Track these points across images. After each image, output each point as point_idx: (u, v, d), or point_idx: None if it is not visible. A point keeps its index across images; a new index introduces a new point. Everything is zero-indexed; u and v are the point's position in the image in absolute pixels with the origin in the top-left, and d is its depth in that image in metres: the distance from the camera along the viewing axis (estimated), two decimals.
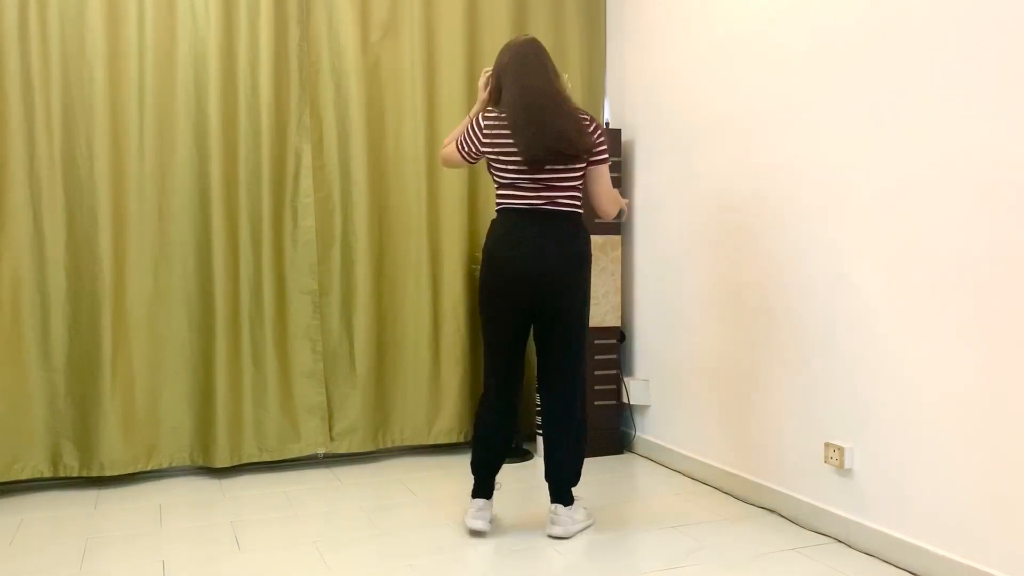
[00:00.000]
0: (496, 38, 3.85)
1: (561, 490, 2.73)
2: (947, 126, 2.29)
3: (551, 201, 2.62)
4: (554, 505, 2.73)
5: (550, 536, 2.71)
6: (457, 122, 3.77)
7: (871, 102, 2.54)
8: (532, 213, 2.62)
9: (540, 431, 3.82)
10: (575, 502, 2.80)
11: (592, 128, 2.65)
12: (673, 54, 3.56)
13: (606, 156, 2.69)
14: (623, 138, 3.93)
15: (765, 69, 3.00)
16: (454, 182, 3.78)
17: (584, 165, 2.65)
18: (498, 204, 2.69)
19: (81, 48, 3.23)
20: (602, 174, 2.70)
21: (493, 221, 2.71)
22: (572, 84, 4.01)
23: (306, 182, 3.54)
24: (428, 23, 3.73)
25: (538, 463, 3.70)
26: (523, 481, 3.40)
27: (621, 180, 3.83)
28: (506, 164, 2.62)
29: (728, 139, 3.20)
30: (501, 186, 2.67)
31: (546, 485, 3.04)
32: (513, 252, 2.62)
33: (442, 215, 3.79)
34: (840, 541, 2.66)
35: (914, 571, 2.40)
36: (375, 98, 3.67)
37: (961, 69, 2.25)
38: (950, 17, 2.28)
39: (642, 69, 3.80)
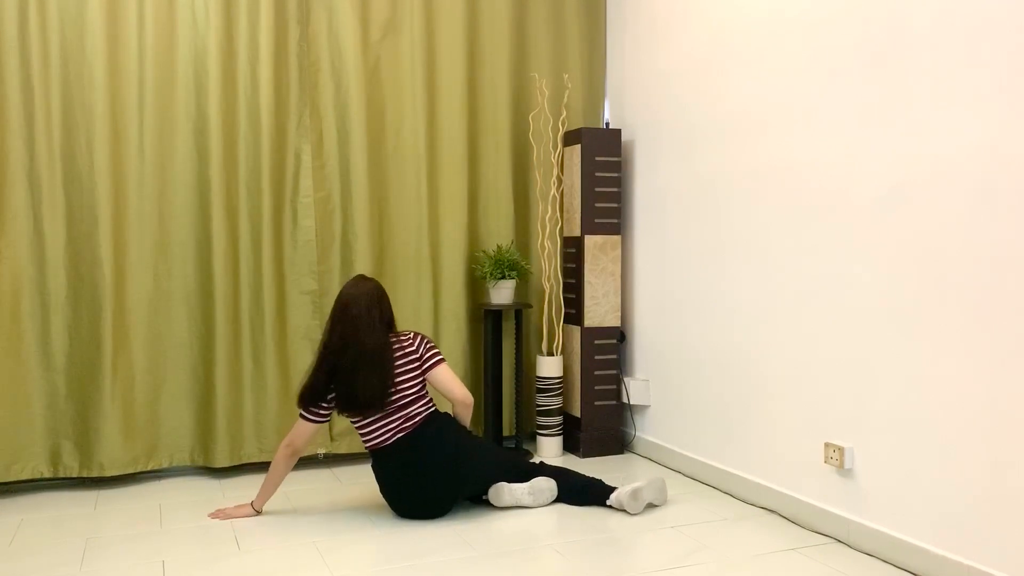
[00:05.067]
0: (496, 38, 3.85)
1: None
2: (947, 126, 2.29)
3: None
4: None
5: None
6: (457, 121, 3.77)
7: (871, 102, 2.54)
8: None
9: (540, 431, 3.82)
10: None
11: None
12: (673, 54, 3.56)
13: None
14: (623, 138, 3.93)
15: (765, 69, 2.99)
16: (454, 182, 3.78)
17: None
18: None
19: (81, 48, 3.23)
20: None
21: None
22: (572, 84, 4.01)
23: (306, 182, 3.53)
24: (428, 23, 3.73)
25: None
26: None
27: (621, 180, 3.83)
28: None
29: (728, 139, 3.20)
30: None
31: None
32: None
33: (442, 215, 3.78)
34: (840, 541, 2.66)
35: (914, 571, 2.40)
36: (375, 98, 3.67)
37: (961, 69, 2.25)
38: (950, 17, 2.28)
39: (642, 69, 3.80)
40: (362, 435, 2.90)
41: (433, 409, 2.94)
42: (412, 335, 2.96)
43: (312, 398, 2.85)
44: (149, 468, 3.36)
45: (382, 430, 2.86)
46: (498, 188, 3.88)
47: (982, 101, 2.20)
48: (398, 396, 2.85)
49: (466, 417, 3.01)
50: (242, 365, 3.44)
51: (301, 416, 2.88)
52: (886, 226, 2.49)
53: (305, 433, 2.89)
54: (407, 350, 2.91)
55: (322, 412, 2.88)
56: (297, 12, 3.51)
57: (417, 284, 3.73)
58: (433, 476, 2.84)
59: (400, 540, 2.70)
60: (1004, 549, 2.16)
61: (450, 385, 2.95)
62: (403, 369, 2.88)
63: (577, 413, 3.80)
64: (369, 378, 2.79)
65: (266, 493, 2.94)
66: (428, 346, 2.97)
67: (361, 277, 2.96)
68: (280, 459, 2.90)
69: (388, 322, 2.94)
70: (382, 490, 2.92)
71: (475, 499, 3.04)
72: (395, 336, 2.93)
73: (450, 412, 3.04)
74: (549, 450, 3.80)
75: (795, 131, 2.85)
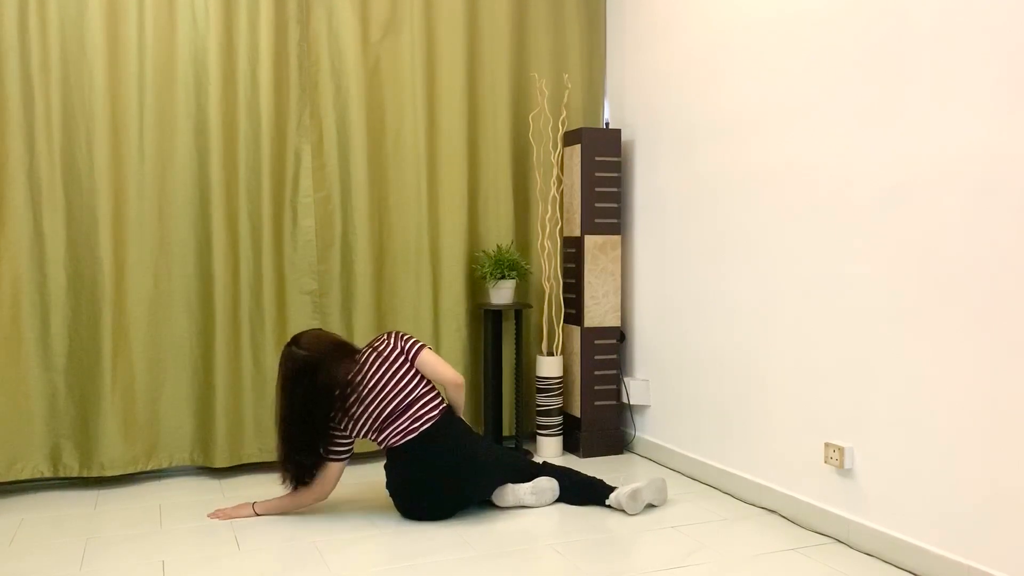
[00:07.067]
0: (496, 38, 3.85)
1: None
2: (947, 126, 2.29)
3: None
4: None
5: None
6: (457, 121, 3.77)
7: (871, 102, 2.54)
8: None
9: (539, 431, 3.82)
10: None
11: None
12: (673, 54, 3.56)
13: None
14: (623, 138, 3.93)
15: (765, 69, 3.00)
16: (454, 181, 3.78)
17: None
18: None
19: (81, 48, 3.23)
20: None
21: None
22: (572, 84, 4.01)
23: (306, 182, 3.54)
24: (428, 23, 3.73)
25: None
26: None
27: (621, 180, 3.83)
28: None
29: (728, 139, 3.20)
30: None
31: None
32: None
33: (442, 214, 3.79)
34: (840, 541, 2.66)
35: (914, 571, 2.40)
36: (375, 98, 3.67)
37: (961, 69, 2.25)
38: (950, 17, 2.28)
39: (642, 69, 3.80)
40: (376, 440, 2.90)
41: (445, 408, 2.94)
42: (384, 336, 2.98)
43: (307, 448, 2.84)
44: (149, 468, 3.36)
45: (391, 432, 2.86)
46: (498, 188, 3.88)
47: (982, 101, 2.20)
48: (401, 397, 2.86)
49: (459, 399, 3.01)
50: (242, 365, 3.44)
51: (329, 459, 2.87)
52: (886, 226, 2.49)
53: (335, 476, 2.90)
54: (384, 352, 2.92)
55: (342, 445, 2.88)
56: (297, 12, 3.51)
57: (417, 284, 3.73)
58: (446, 481, 2.84)
59: (400, 540, 2.70)
60: (1004, 549, 2.16)
61: (439, 368, 2.94)
62: (392, 369, 2.88)
63: (577, 413, 3.80)
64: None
65: (273, 510, 2.94)
66: (405, 338, 2.97)
67: (291, 346, 2.87)
68: (305, 501, 2.92)
69: (344, 349, 2.91)
70: (390, 487, 2.91)
71: None
72: (367, 346, 2.96)
73: (443, 397, 3.03)
74: (549, 450, 3.80)
75: (795, 131, 2.85)
